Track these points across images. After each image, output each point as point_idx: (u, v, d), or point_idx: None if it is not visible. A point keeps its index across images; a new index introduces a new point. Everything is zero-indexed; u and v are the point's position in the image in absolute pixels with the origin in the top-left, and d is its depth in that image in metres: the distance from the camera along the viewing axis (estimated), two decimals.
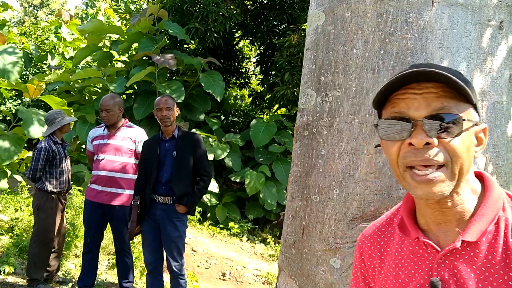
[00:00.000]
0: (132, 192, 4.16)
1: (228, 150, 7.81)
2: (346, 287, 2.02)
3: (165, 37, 8.53)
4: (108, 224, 4.39)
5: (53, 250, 4.52)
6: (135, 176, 4.15)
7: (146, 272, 3.93)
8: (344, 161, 2.09)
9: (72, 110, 6.75)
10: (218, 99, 7.89)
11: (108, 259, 5.48)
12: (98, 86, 8.54)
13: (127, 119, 4.46)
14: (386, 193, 1.98)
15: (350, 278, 2.01)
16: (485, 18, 2.13)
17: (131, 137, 4.30)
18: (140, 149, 4.25)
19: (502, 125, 2.11)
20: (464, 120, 0.92)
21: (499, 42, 2.17)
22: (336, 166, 2.11)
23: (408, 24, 2.04)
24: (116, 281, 4.57)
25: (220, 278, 5.57)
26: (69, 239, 5.41)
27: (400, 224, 1.07)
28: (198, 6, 8.85)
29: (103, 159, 4.21)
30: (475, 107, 0.96)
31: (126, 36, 8.56)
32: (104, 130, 4.35)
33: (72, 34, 11.91)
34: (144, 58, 8.22)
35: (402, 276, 1.03)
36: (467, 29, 2.08)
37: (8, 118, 7.67)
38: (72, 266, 5.16)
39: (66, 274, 4.92)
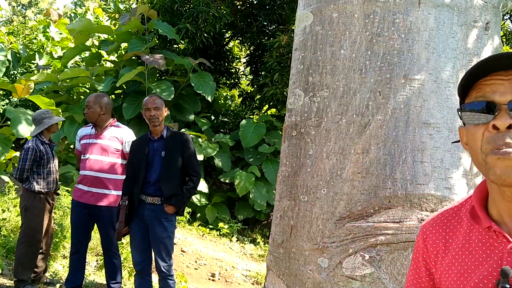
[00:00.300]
0: (119, 192, 4.14)
1: (218, 150, 7.80)
2: (333, 286, 2.03)
3: (155, 37, 8.51)
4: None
5: (40, 251, 4.48)
6: (123, 177, 4.12)
7: (135, 272, 3.91)
8: (332, 161, 2.10)
9: (60, 110, 6.70)
10: (209, 99, 7.87)
11: (97, 260, 5.45)
12: (87, 86, 8.49)
13: (115, 119, 4.42)
14: (373, 193, 2.00)
15: (337, 277, 2.02)
16: (471, 19, 2.15)
17: (118, 137, 4.27)
18: (127, 149, 4.22)
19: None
20: None
21: (485, 43, 2.19)
22: (323, 166, 2.12)
23: (394, 25, 2.06)
24: (105, 282, 4.54)
25: (209, 279, 5.56)
26: (57, 240, 5.37)
27: (471, 212, 1.08)
28: (188, 6, 8.83)
29: (89, 158, 4.18)
30: None
31: (115, 36, 8.52)
32: (91, 129, 4.32)
33: (61, 34, 11.81)
34: (134, 58, 8.18)
35: (469, 263, 1.04)
36: (453, 30, 2.10)
37: None
38: (59, 267, 5.12)
39: (53, 275, 4.88)
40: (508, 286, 0.94)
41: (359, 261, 1.98)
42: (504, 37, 9.60)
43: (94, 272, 5.18)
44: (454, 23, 2.10)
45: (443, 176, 2.00)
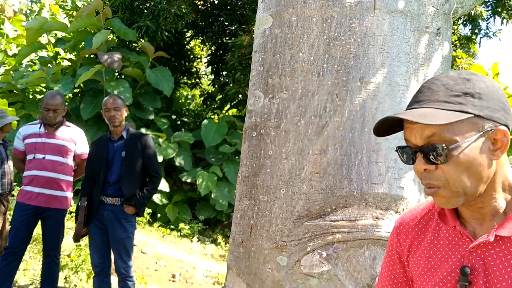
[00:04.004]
0: (71, 195, 4.06)
1: (177, 150, 7.76)
2: (292, 284, 2.08)
3: (113, 35, 8.37)
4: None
5: None
6: (72, 179, 4.07)
7: (93, 274, 3.86)
8: (291, 161, 2.15)
9: (14, 110, 6.51)
10: (167, 94, 7.82)
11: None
12: (42, 85, 8.28)
13: (64, 118, 4.28)
14: (330, 192, 2.06)
15: (295, 275, 2.07)
16: (423, 25, 2.25)
17: (72, 138, 4.14)
18: (79, 150, 4.12)
19: None
20: (449, 147, 0.98)
21: (436, 48, 2.29)
22: (283, 166, 2.17)
23: (351, 29, 2.12)
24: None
25: (170, 280, 5.53)
26: None
27: (440, 211, 1.15)
28: (149, 4, 8.74)
29: (43, 159, 4.00)
30: (481, 116, 0.98)
31: (72, 34, 8.33)
32: (40, 128, 4.09)
33: (16, 31, 11.46)
34: (92, 56, 8.01)
35: (435, 259, 1.11)
36: (406, 35, 2.18)
37: None
38: None
39: None
40: (467, 284, 1.03)
41: (317, 258, 2.04)
42: (458, 41, 9.96)
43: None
44: (407, 29, 2.19)
45: (396, 176, 2.08)
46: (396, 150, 1.10)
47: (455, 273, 1.06)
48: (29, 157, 4.06)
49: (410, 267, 1.19)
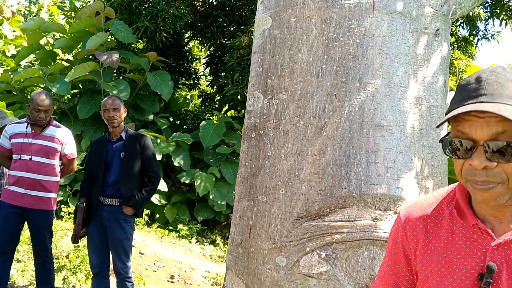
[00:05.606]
0: (55, 195, 4.03)
1: (176, 150, 7.76)
2: (291, 284, 2.08)
3: (112, 36, 8.37)
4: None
5: None
6: (58, 179, 4.05)
7: (92, 275, 3.85)
8: (290, 162, 2.15)
9: (12, 112, 6.50)
10: (165, 99, 7.82)
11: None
12: (41, 86, 8.27)
13: (52, 118, 4.17)
14: (329, 193, 2.06)
15: (294, 275, 2.07)
16: (422, 26, 2.25)
17: (59, 138, 4.05)
18: (66, 151, 4.07)
19: (437, 128, 2.23)
20: None
21: (435, 49, 2.29)
22: (282, 166, 2.17)
23: (350, 30, 2.13)
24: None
25: (168, 281, 5.53)
26: None
27: (458, 209, 1.14)
28: (147, 4, 8.74)
29: (30, 160, 3.91)
30: None
31: (71, 35, 8.33)
32: (27, 127, 3.98)
33: (14, 31, 11.45)
34: (90, 56, 8.01)
35: (451, 256, 1.10)
36: (405, 36, 2.19)
37: None
38: (13, 271, 4.97)
39: None
40: (491, 281, 1.03)
41: (316, 259, 2.04)
42: (456, 42, 9.97)
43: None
44: (406, 30, 2.20)
45: (395, 177, 2.08)
46: (441, 141, 1.07)
47: (475, 270, 1.06)
48: (15, 157, 3.98)
49: (417, 262, 1.17)
